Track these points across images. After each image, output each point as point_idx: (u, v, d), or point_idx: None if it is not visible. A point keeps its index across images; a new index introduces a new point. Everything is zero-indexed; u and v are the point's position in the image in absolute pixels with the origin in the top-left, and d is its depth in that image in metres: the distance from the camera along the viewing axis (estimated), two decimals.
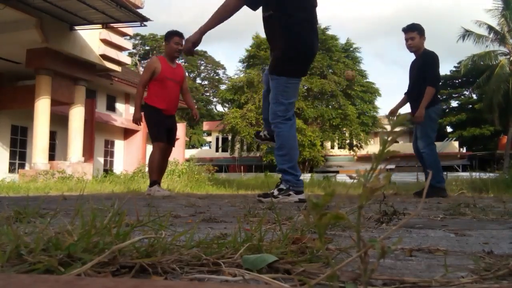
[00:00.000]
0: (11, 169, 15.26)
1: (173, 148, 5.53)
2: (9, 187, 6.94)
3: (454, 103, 40.72)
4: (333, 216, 0.53)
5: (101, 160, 18.94)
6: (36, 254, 0.67)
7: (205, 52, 52.22)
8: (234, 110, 28.72)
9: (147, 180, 7.95)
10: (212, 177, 12.91)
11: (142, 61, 47.96)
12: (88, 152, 15.31)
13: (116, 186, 8.57)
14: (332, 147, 36.06)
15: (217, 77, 54.12)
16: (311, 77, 26.93)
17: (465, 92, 39.86)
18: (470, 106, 37.55)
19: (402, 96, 5.38)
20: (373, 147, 33.52)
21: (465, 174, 12.94)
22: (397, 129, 0.57)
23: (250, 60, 31.07)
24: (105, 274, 0.65)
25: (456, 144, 36.84)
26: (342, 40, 31.75)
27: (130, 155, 19.63)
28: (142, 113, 5.23)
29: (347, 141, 30.61)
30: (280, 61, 3.54)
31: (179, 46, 5.18)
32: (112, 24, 12.99)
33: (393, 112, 5.37)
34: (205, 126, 42.89)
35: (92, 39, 13.48)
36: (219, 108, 49.66)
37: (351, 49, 31.72)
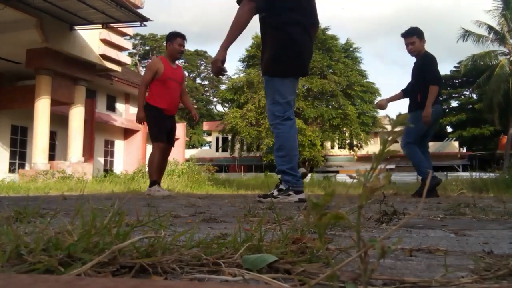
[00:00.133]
0: (11, 169, 15.27)
1: (173, 148, 5.55)
2: (9, 187, 6.94)
3: (454, 103, 40.78)
4: (333, 216, 0.53)
5: (101, 160, 18.94)
6: (36, 254, 0.67)
7: (205, 52, 52.24)
8: (234, 110, 28.72)
9: (147, 180, 7.95)
10: (212, 177, 12.91)
11: (142, 61, 47.96)
12: (88, 152, 15.31)
13: (116, 186, 8.58)
14: (332, 147, 36.07)
15: (217, 77, 54.08)
16: (311, 77, 26.92)
17: (465, 92, 39.88)
18: (470, 106, 37.57)
19: (399, 91, 5.38)
20: (373, 147, 33.52)
21: (465, 174, 12.95)
22: (397, 129, 0.57)
23: (250, 60, 31.10)
24: (105, 274, 0.65)
25: (456, 144, 36.85)
26: (342, 40, 31.79)
27: (130, 155, 19.64)
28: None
29: (347, 141, 30.60)
30: (271, 61, 3.55)
31: (182, 48, 5.23)
32: (112, 24, 12.98)
33: (381, 104, 5.36)
34: (205, 126, 42.89)
35: (92, 39, 13.48)
36: (219, 108, 49.71)
37: (351, 49, 31.70)
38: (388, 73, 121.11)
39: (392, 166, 26.68)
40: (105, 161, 19.35)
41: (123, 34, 14.92)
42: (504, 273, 0.68)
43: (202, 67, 52.98)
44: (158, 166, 5.17)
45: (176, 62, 5.45)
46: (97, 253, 0.68)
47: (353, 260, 0.58)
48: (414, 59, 5.21)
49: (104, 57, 13.94)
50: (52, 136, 14.85)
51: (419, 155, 4.94)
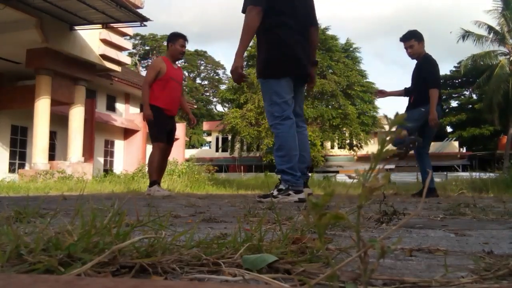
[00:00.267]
0: (11, 169, 15.26)
1: (172, 148, 5.55)
2: (9, 187, 6.94)
3: (454, 103, 40.76)
4: (333, 216, 0.53)
5: (101, 160, 18.94)
6: (36, 254, 0.67)
7: (205, 52, 52.26)
8: (234, 110, 28.70)
9: (147, 180, 7.95)
10: (212, 177, 12.91)
11: (142, 61, 47.96)
12: (88, 152, 15.31)
13: (116, 186, 8.58)
14: (332, 147, 36.05)
15: (217, 77, 54.14)
16: None
17: (465, 92, 39.87)
18: (470, 106, 37.56)
19: (402, 88, 5.39)
20: (373, 147, 33.52)
21: (465, 174, 12.96)
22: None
23: (250, 60, 31.10)
24: (105, 274, 0.65)
25: (456, 144, 36.84)
26: (342, 40, 31.78)
27: (130, 155, 19.63)
28: None
29: (347, 141, 30.59)
30: (263, 63, 3.58)
31: (183, 48, 5.25)
32: (112, 24, 12.98)
33: (382, 92, 5.38)
34: (205, 126, 42.88)
35: (92, 39, 13.48)
36: (219, 108, 49.72)
37: (351, 49, 31.69)
38: (388, 73, 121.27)
39: (392, 166, 26.68)
40: (105, 161, 19.35)
41: (123, 34, 14.92)
42: (504, 273, 0.68)
43: (202, 67, 53.01)
44: (158, 166, 5.17)
45: (177, 62, 5.46)
46: (97, 253, 0.68)
47: (353, 260, 0.58)
48: (414, 60, 5.23)
49: (104, 57, 13.94)
50: (52, 136, 14.85)
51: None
